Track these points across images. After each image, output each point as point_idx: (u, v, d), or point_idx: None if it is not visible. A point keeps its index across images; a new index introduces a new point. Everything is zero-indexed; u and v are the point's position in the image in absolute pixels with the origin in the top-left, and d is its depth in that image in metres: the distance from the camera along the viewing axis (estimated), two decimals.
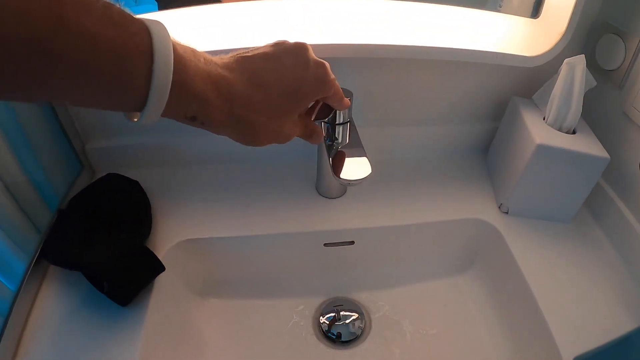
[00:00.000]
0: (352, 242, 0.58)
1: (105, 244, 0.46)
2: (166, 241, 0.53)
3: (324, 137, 0.50)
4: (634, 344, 0.56)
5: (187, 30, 0.55)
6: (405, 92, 0.64)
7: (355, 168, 0.45)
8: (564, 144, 0.55)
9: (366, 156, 0.48)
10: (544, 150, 0.55)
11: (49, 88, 0.21)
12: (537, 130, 0.56)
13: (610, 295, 0.54)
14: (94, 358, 0.42)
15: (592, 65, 0.64)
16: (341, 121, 0.49)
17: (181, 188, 0.61)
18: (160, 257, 0.50)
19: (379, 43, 0.54)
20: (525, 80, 0.65)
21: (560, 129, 0.58)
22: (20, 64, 0.19)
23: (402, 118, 0.67)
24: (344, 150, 0.48)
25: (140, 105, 0.24)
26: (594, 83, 0.59)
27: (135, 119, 0.26)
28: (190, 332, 0.53)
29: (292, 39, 0.35)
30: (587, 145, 0.57)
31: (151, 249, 0.49)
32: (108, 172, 0.57)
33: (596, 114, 0.65)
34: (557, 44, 0.57)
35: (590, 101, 0.65)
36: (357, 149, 0.49)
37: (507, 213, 0.62)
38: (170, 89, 0.24)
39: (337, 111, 0.48)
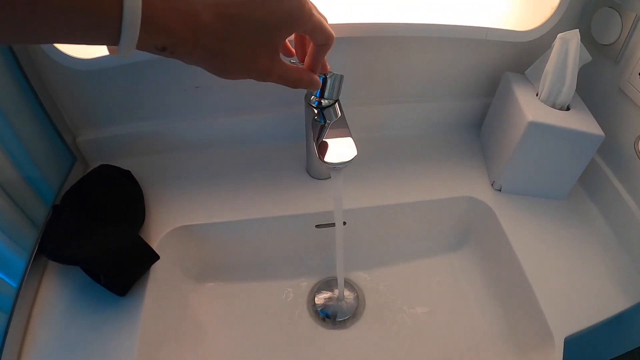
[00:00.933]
0: (344, 223, 0.58)
1: (100, 238, 0.47)
2: (160, 229, 0.54)
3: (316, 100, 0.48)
4: (625, 322, 0.57)
5: None
6: (397, 69, 0.63)
7: (341, 151, 0.45)
8: (557, 121, 0.55)
9: (352, 138, 0.47)
10: (535, 128, 0.54)
11: (29, 30, 0.23)
12: (530, 107, 0.55)
13: (604, 273, 0.54)
14: (95, 347, 0.43)
15: (588, 40, 0.63)
16: (327, 103, 0.49)
17: (173, 175, 0.61)
18: (154, 245, 0.51)
19: (367, 22, 0.52)
20: (520, 55, 0.63)
21: (553, 106, 0.57)
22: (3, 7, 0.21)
23: (394, 95, 0.66)
24: (330, 132, 0.48)
25: (114, 40, 0.26)
26: (589, 58, 0.57)
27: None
28: (187, 317, 0.54)
29: None
30: (581, 122, 0.56)
31: (145, 238, 0.50)
32: (100, 164, 0.57)
33: (592, 90, 0.63)
34: (549, 19, 0.56)
35: (586, 76, 0.63)
36: (343, 131, 0.48)
37: (500, 190, 0.61)
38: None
39: (324, 93, 0.47)
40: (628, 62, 0.56)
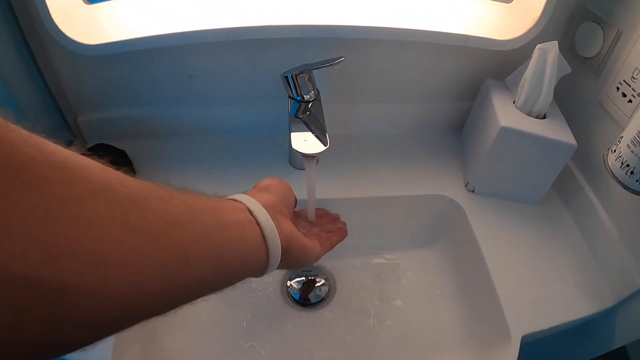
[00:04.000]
0: None
1: None
2: None
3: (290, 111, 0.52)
4: (594, 329, 0.59)
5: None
6: (381, 70, 0.66)
7: (314, 142, 0.48)
8: (530, 128, 0.57)
9: (326, 131, 0.50)
10: (507, 133, 0.56)
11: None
12: (504, 113, 0.58)
13: (571, 279, 0.56)
14: None
15: (571, 52, 0.64)
16: (308, 98, 0.52)
17: (164, 158, 0.65)
18: None
19: (354, 24, 0.55)
20: (502, 63, 0.65)
21: (529, 113, 0.59)
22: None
23: (378, 95, 0.69)
24: (306, 125, 0.51)
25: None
26: (569, 69, 0.59)
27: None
28: None
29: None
30: (555, 130, 0.58)
31: None
32: (96, 143, 0.61)
33: (572, 100, 0.65)
34: (530, 30, 0.58)
35: (568, 87, 0.65)
36: (319, 124, 0.51)
37: (473, 192, 0.64)
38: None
39: (303, 89, 0.51)
40: (608, 76, 0.58)
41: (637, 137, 0.45)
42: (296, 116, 0.52)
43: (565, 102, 0.64)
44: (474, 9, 0.60)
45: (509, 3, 0.59)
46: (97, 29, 0.55)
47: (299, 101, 0.52)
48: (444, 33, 0.56)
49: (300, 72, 0.51)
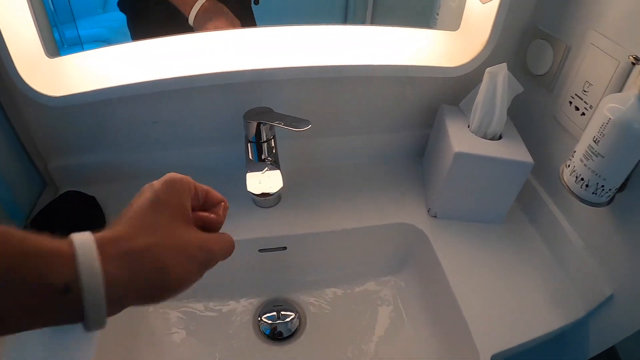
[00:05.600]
0: (285, 248, 0.62)
1: None
2: None
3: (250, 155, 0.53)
4: (567, 340, 0.59)
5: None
6: (337, 105, 0.67)
7: (269, 182, 0.50)
8: (485, 150, 0.58)
9: (280, 171, 0.51)
10: (462, 158, 0.57)
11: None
12: (458, 138, 0.59)
13: (539, 294, 0.57)
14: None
15: (524, 70, 0.66)
16: (264, 139, 0.53)
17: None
18: None
19: (307, 65, 0.57)
20: (457, 88, 0.67)
21: (484, 136, 0.60)
22: None
23: (337, 128, 0.70)
24: (261, 165, 0.52)
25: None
26: (521, 89, 0.61)
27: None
28: (141, 337, 0.58)
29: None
30: (510, 150, 0.59)
31: None
32: (67, 190, 0.63)
33: (529, 118, 0.66)
34: (478, 55, 0.59)
35: (524, 105, 0.67)
36: (273, 165, 0.53)
37: (435, 217, 0.65)
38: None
39: (261, 129, 0.52)
40: (560, 91, 0.59)
41: (588, 151, 0.46)
42: (252, 157, 0.54)
43: (522, 119, 0.65)
44: (423, 39, 0.62)
45: (455, 31, 0.60)
46: (61, 80, 0.57)
47: (255, 143, 0.54)
48: (386, 66, 0.57)
49: (262, 122, 0.52)
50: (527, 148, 0.60)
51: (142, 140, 0.66)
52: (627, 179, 0.48)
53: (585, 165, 0.47)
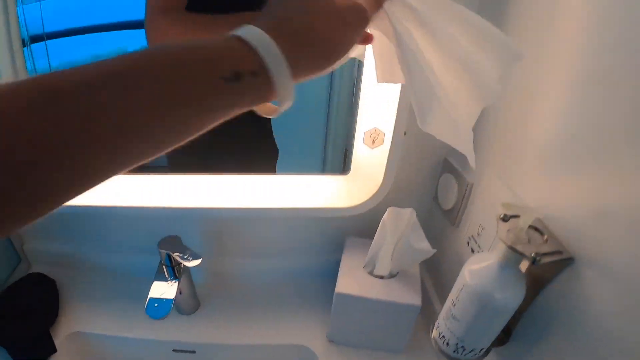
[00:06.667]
0: (194, 352, 0.68)
1: (18, 330, 0.64)
2: (64, 329, 0.69)
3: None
4: None
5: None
6: (252, 234, 0.73)
7: (168, 293, 0.57)
8: (368, 292, 0.59)
9: (173, 298, 0.58)
10: (342, 298, 0.59)
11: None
12: (345, 276, 0.60)
13: None
14: None
15: (435, 204, 0.65)
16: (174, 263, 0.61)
17: (88, 289, 0.76)
18: (57, 342, 0.65)
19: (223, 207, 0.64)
20: (363, 223, 0.68)
21: (376, 275, 0.61)
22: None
23: (252, 252, 0.75)
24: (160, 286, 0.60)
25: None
26: (429, 253, 0.58)
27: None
28: None
29: None
30: (399, 291, 0.59)
31: (52, 334, 0.65)
32: (30, 272, 0.76)
33: (442, 251, 0.65)
34: (375, 195, 0.61)
35: (438, 238, 0.66)
36: (172, 286, 0.60)
37: (333, 342, 0.66)
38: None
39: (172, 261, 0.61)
40: (462, 229, 0.58)
41: (448, 312, 0.46)
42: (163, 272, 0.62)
43: (437, 253, 0.64)
44: (325, 185, 0.65)
45: (346, 175, 0.62)
46: None
47: (163, 264, 0.62)
48: (284, 209, 0.63)
49: (173, 252, 0.60)
50: (436, 283, 0.59)
51: (100, 240, 0.77)
52: (509, 331, 0.47)
53: (445, 325, 0.46)
